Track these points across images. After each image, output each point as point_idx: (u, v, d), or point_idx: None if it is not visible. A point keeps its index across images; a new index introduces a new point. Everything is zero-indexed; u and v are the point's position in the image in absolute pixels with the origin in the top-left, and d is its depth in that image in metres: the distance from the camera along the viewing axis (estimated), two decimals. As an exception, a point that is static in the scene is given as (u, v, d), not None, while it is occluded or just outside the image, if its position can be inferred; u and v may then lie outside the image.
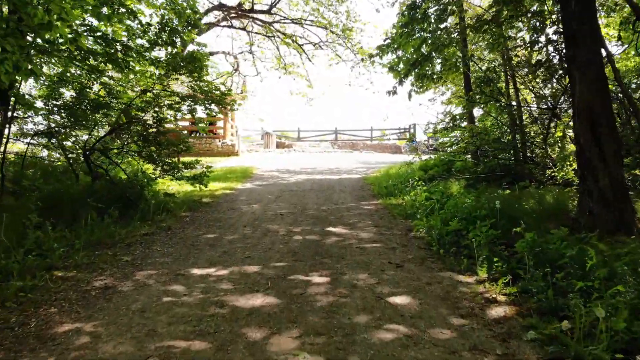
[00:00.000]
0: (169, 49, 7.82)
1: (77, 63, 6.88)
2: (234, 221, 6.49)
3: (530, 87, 10.21)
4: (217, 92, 8.31)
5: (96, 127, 7.69)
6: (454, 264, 4.38)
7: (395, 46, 10.10)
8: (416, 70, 9.73)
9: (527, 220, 5.77)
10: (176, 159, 15.65)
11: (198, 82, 8.05)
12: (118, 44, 7.14)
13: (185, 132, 21.05)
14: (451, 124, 10.87)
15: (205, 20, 13.68)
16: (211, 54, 14.25)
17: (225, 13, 13.46)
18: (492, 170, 9.21)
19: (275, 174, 13.50)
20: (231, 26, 13.89)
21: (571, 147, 7.68)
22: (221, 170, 14.38)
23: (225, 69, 16.02)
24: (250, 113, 17.83)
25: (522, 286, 3.68)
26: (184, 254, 4.80)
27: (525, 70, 10.05)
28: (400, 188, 9.23)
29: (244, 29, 14.17)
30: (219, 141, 19.45)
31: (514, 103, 10.22)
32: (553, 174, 8.04)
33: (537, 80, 11.04)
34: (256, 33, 14.30)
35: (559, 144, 8.12)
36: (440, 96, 20.47)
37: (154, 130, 7.84)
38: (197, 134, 20.48)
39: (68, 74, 7.39)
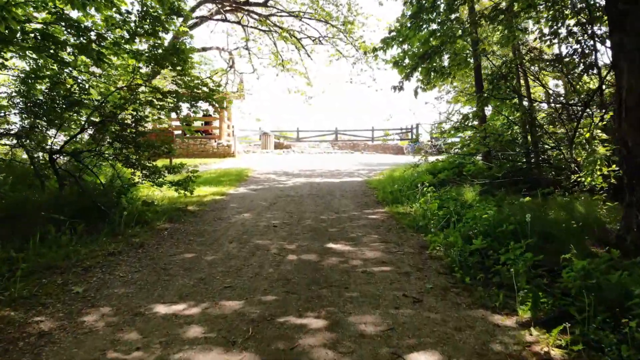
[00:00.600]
0: (151, 40, 6.91)
1: (44, 54, 6.00)
2: (219, 235, 5.58)
3: (543, 84, 9.33)
4: (205, 89, 7.40)
5: (68, 127, 6.78)
6: (485, 297, 3.48)
7: (401, 39, 9.21)
8: (423, 65, 8.86)
9: (560, 235, 4.89)
10: (168, 160, 14.75)
11: (183, 77, 7.15)
12: (92, 33, 6.25)
13: (179, 132, 20.16)
14: (461, 123, 9.99)
15: (197, 13, 12.80)
16: (204, 49, 13.37)
17: (219, 6, 12.56)
18: (508, 174, 8.32)
19: (271, 176, 12.60)
20: (225, 20, 13.00)
21: (601, 150, 6.79)
22: (215, 172, 13.49)
23: (220, 66, 15.11)
24: (246, 112, 16.95)
25: (581, 334, 2.79)
26: (152, 281, 3.90)
27: (543, 64, 9.17)
28: (408, 194, 8.34)
29: (238, 22, 13.28)
30: (215, 142, 18.55)
31: (528, 102, 9.33)
32: (578, 180, 7.14)
33: (557, 75, 10.11)
34: (252, 27, 13.40)
35: (587, 146, 7.22)
36: (445, 94, 19.55)
37: (133, 130, 6.95)
38: (193, 134, 19.59)
39: (38, 67, 6.51)
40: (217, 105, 7.94)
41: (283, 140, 24.84)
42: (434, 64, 9.11)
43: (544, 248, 4.39)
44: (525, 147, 9.28)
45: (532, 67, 9.29)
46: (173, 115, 11.30)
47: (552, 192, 6.82)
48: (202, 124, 20.15)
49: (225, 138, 19.02)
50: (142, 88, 7.08)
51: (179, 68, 6.78)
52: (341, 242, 5.19)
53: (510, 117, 9.77)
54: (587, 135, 7.30)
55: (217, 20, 13.14)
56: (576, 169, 7.43)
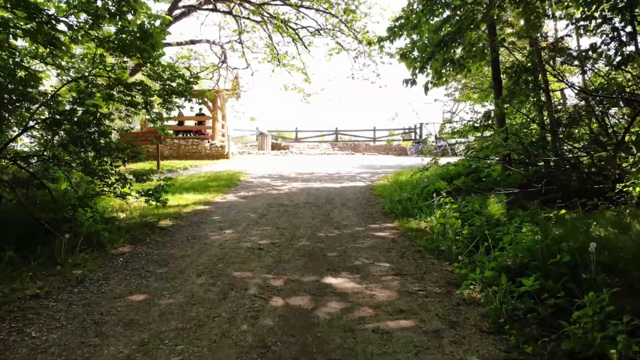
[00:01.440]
0: (119, 24, 5.70)
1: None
2: (187, 263, 4.37)
3: (564, 80, 8.13)
4: (180, 81, 6.17)
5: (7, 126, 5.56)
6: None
7: (411, 27, 8.01)
8: (435, 57, 7.67)
9: (631, 269, 3.69)
10: (156, 162, 13.50)
11: (153, 67, 5.93)
12: (43, 14, 5.06)
13: (171, 131, 18.94)
14: (482, 122, 8.79)
15: (184, 2, 11.58)
16: (192, 42, 12.16)
17: (208, -6, 11.36)
18: (537, 182, 7.11)
19: (266, 181, 11.39)
20: (215, 9, 11.80)
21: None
22: (204, 176, 12.28)
23: (213, 62, 13.89)
24: (240, 111, 15.77)
25: None
26: (72, 347, 2.69)
27: (569, 57, 7.96)
28: (419, 204, 7.13)
29: (230, 12, 12.07)
30: (207, 142, 17.34)
31: (561, 97, 8.13)
32: (624, 189, 5.93)
33: (584, 69, 8.88)
34: (245, 18, 12.18)
35: (635, 149, 6.01)
36: (453, 91, 18.36)
37: (95, 130, 5.74)
38: (185, 134, 18.39)
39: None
40: (194, 99, 6.69)
41: (281, 140, 23.61)
42: (449, 55, 7.91)
43: (622, 293, 3.19)
44: (553, 149, 8.09)
45: (556, 60, 8.10)
46: (172, 113, 10.16)
47: (597, 204, 5.62)
48: (196, 124, 18.94)
49: (219, 138, 17.81)
50: (99, 80, 5.86)
51: (145, 55, 5.55)
52: (343, 275, 3.98)
53: (530, 116, 8.59)
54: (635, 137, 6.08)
55: (207, 10, 11.93)
56: (617, 175, 6.20)
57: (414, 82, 7.32)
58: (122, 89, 5.65)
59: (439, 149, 21.58)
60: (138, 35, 5.54)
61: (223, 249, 4.85)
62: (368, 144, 23.19)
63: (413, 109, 20.86)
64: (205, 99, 17.57)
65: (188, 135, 18.51)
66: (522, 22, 8.51)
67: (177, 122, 18.48)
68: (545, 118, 8.56)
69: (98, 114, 5.70)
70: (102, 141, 5.71)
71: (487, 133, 8.87)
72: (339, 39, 11.71)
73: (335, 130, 23.80)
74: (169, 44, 11.51)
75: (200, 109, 18.61)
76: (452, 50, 8.09)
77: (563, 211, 5.03)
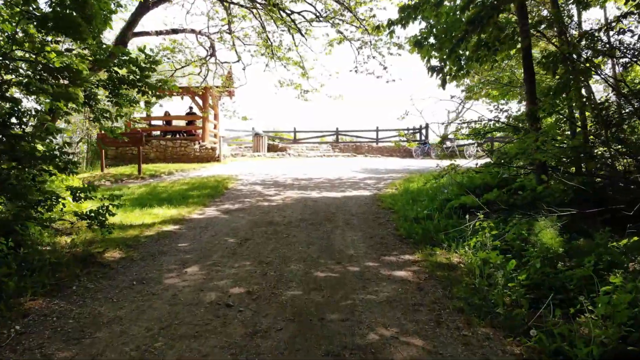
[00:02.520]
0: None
1: None
2: (111, 338, 2.82)
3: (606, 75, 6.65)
4: (134, 68, 4.62)
5: None
6: None
7: (433, 3, 6.47)
8: (467, 39, 6.16)
9: None
10: (137, 166, 11.94)
11: (93, 47, 4.38)
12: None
13: (157, 132, 17.41)
14: (514, 120, 7.29)
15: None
16: (174, 31, 10.61)
17: (192, -24, 9.83)
18: (590, 197, 5.58)
19: (257, 189, 9.85)
20: (199, -7, 10.32)
21: None
22: (189, 182, 10.74)
23: (197, 54, 12.32)
24: (231, 110, 14.25)
25: None
26: None
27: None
28: (442, 223, 5.60)
29: (217, -2, 10.55)
30: (197, 144, 15.79)
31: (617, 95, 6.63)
32: None
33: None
34: (234, 4, 10.63)
35: None
36: (462, 90, 16.86)
37: (16, 131, 4.19)
38: (174, 135, 16.85)
39: None
40: (151, 93, 5.10)
41: (278, 141, 22.07)
42: (479, 38, 6.40)
43: None
44: (599, 156, 6.58)
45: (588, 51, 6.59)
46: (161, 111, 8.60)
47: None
48: (187, 124, 17.39)
49: (209, 140, 16.27)
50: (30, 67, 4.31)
51: (79, 31, 3.99)
52: (351, 364, 2.44)
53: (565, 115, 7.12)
54: None
55: (190, -6, 10.39)
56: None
57: (440, 71, 5.78)
58: (46, 77, 4.10)
59: (446, 151, 20.03)
60: (69, 3, 4.01)
61: (174, 306, 3.30)
62: (371, 145, 21.64)
63: (417, 109, 19.19)
64: (196, 98, 16.05)
65: (178, 136, 16.97)
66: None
67: (164, 122, 16.93)
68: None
69: (19, 109, 4.16)
70: (25, 146, 4.17)
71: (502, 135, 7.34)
72: (340, 26, 10.16)
73: (336, 130, 22.26)
74: (145, 33, 9.96)
75: (191, 108, 17.09)
76: (480, 35, 6.55)
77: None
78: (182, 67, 12.03)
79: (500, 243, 4.51)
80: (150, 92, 4.66)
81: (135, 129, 13.61)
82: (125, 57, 4.45)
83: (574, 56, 6.05)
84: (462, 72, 7.06)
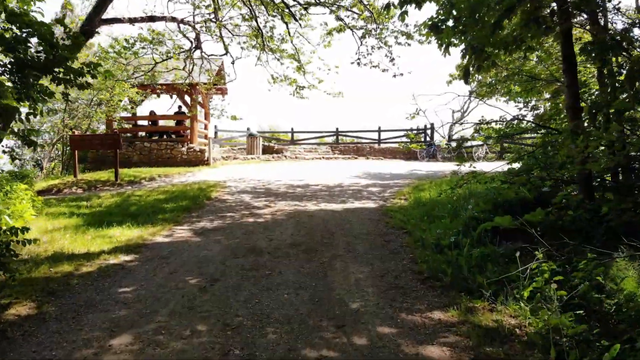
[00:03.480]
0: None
1: None
2: None
3: None
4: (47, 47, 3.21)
5: None
6: None
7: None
8: (515, 12, 4.79)
9: None
10: (114, 170, 10.53)
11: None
12: None
13: (143, 133, 16.01)
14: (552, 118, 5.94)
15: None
16: (152, 19, 9.22)
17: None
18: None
19: (245, 199, 8.45)
20: (178, -26, 8.92)
21: None
22: (168, 191, 9.34)
23: (178, 45, 10.88)
24: (219, 109, 12.89)
25: None
26: None
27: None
28: (474, 253, 4.20)
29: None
30: (184, 146, 14.38)
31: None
32: None
33: None
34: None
35: None
36: (474, 86, 15.47)
37: None
38: (161, 136, 15.44)
39: None
40: (83, 88, 3.63)
41: (274, 143, 20.63)
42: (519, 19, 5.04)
43: None
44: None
45: None
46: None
47: None
48: (176, 124, 15.97)
49: (198, 141, 14.86)
50: None
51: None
52: None
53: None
54: None
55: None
56: None
57: (482, 51, 4.39)
58: None
59: (453, 153, 18.63)
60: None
61: None
62: (372, 146, 20.22)
63: (421, 108, 17.77)
64: (186, 96, 14.63)
65: (166, 137, 15.57)
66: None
67: (149, 122, 15.52)
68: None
69: None
70: None
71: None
72: (340, 12, 8.75)
73: (336, 130, 20.84)
74: (117, 20, 8.57)
75: (180, 107, 15.68)
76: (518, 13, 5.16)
77: None
78: (163, 60, 10.62)
79: (567, 293, 3.12)
80: (73, 81, 3.24)
81: (116, 129, 12.22)
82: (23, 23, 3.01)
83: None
84: (488, 61, 5.66)
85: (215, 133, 19.56)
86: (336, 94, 11.42)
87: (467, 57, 5.51)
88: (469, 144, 19.73)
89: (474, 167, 7.62)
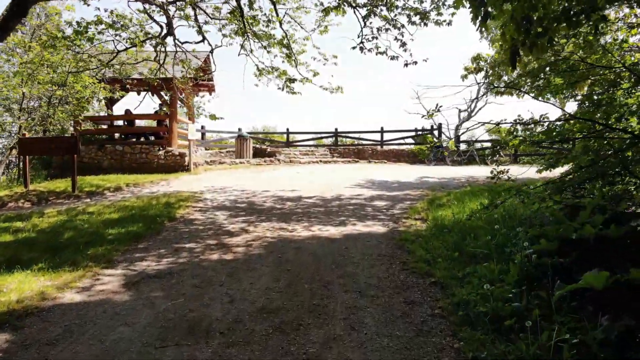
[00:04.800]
0: None
1: None
2: None
3: None
4: None
5: None
6: None
7: None
8: None
9: None
10: (71, 180, 8.70)
11: None
12: None
13: (118, 135, 14.14)
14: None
15: None
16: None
17: None
18: None
19: (218, 219, 6.61)
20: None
21: None
22: (126, 208, 7.48)
23: (143, 32, 9.00)
24: (201, 107, 11.09)
25: None
26: None
27: None
28: (561, 332, 2.34)
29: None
30: (161, 150, 12.51)
31: None
32: None
33: None
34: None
35: None
36: (484, 80, 13.80)
37: None
38: (139, 139, 13.58)
39: None
40: None
41: (268, 145, 18.75)
42: None
43: None
44: None
45: None
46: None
47: None
48: (157, 124, 14.11)
49: (179, 144, 13.00)
50: None
51: None
52: None
53: None
54: None
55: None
56: None
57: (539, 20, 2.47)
58: None
59: (463, 156, 16.79)
60: None
61: None
62: (375, 148, 18.36)
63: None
64: (164, 93, 12.78)
65: (144, 139, 13.71)
66: None
67: (125, 122, 13.65)
68: None
69: None
70: None
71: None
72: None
73: (335, 131, 18.99)
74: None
75: (161, 105, 13.83)
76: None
77: None
78: (126, 48, 8.77)
79: None
80: None
81: (73, 132, 10.36)
82: None
83: None
84: (543, 38, 3.85)
85: (203, 134, 17.70)
86: (334, 89, 9.58)
87: (516, 32, 3.74)
88: (478, 145, 17.91)
89: (510, 176, 5.81)
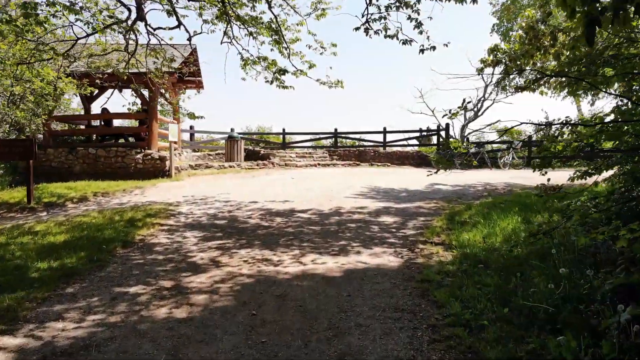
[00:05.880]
0: None
1: None
2: None
3: None
4: None
5: None
6: None
7: None
8: None
9: None
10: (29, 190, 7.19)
11: None
12: None
13: (79, 136, 12.73)
14: None
15: None
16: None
17: None
18: None
19: (185, 244, 5.22)
20: None
21: None
22: (80, 226, 6.07)
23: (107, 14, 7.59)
24: (182, 106, 9.74)
25: None
26: None
27: None
28: None
29: None
30: (139, 153, 11.11)
31: None
32: None
33: None
34: None
35: None
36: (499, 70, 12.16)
37: None
38: (117, 140, 12.20)
39: None
40: None
41: (262, 146, 17.35)
42: None
43: None
44: None
45: None
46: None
47: None
48: (139, 124, 12.69)
49: (158, 146, 11.61)
50: None
51: None
52: None
53: None
54: None
55: None
56: None
57: None
58: None
59: (474, 158, 15.38)
60: None
61: None
62: (377, 150, 16.96)
63: (432, 109, 14.62)
64: (140, 88, 11.37)
65: (124, 141, 12.33)
66: None
67: (102, 122, 12.25)
68: None
69: None
70: None
71: None
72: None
73: (335, 132, 17.58)
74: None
75: (134, 103, 12.41)
76: None
77: None
78: (87, 35, 7.37)
79: None
80: None
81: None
82: None
83: None
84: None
85: (192, 135, 16.29)
86: (333, 83, 8.18)
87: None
88: (488, 148, 16.53)
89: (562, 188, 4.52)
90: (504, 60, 10.88)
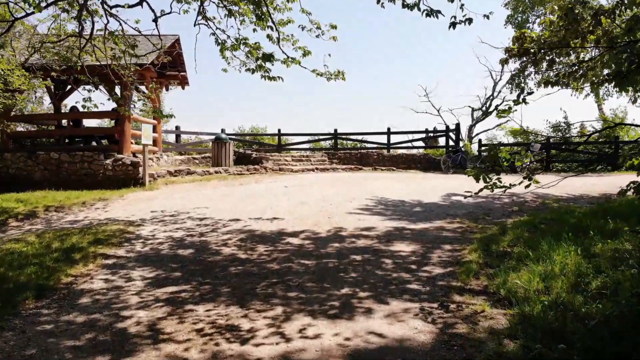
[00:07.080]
0: None
1: None
2: None
3: None
4: None
5: None
6: None
7: None
8: None
9: None
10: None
11: None
12: None
13: (48, 138, 11.20)
14: None
15: None
16: None
17: None
18: None
19: (126, 292, 3.67)
20: None
21: None
22: (10, 252, 4.57)
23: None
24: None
25: None
26: None
27: None
28: None
29: None
30: (109, 158, 9.57)
31: None
32: None
33: None
34: None
35: None
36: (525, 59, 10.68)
37: None
38: (84, 142, 10.66)
39: None
40: None
41: (254, 150, 15.82)
42: None
43: None
44: None
45: None
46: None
47: None
48: (115, 124, 11.14)
49: (133, 149, 10.08)
50: None
51: None
52: None
53: None
54: None
55: None
56: None
57: None
58: None
59: (488, 161, 13.84)
60: None
61: None
62: (381, 152, 15.43)
63: (434, 104, 13.13)
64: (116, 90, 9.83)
65: (95, 144, 10.80)
66: None
67: (70, 123, 10.71)
68: None
69: None
70: None
71: None
72: None
73: (334, 133, 16.05)
74: None
75: (118, 103, 10.87)
76: None
77: None
78: (27, 14, 5.85)
79: None
80: None
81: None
82: None
83: None
84: None
85: (177, 136, 14.76)
86: (333, 74, 6.66)
87: None
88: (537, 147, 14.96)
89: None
90: (532, 50, 9.17)
